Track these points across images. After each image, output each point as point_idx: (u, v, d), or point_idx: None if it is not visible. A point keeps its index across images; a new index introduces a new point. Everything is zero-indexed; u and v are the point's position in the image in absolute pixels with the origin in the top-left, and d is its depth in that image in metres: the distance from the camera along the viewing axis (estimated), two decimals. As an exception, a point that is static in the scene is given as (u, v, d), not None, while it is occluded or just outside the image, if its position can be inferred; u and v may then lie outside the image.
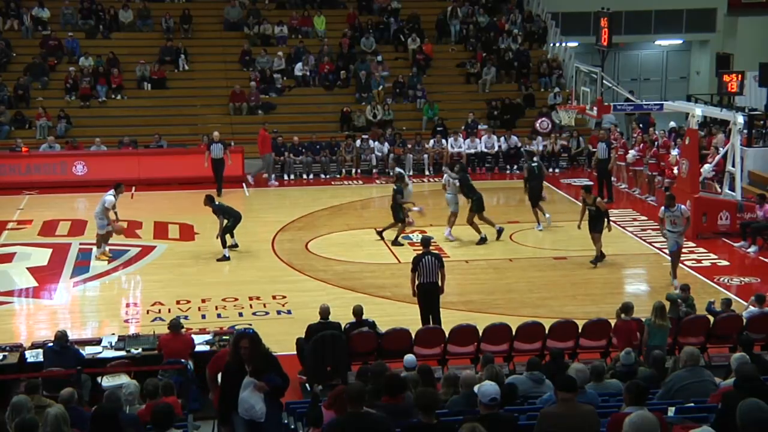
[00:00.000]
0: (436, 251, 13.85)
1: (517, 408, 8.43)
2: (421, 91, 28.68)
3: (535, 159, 21.12)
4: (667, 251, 16.41)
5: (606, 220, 16.81)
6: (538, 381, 9.36)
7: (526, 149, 25.63)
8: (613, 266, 17.36)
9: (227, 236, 17.69)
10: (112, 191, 17.64)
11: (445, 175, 19.40)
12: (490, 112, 28.25)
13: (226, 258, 17.48)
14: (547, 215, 19.67)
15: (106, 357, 11.39)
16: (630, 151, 23.42)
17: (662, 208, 16.13)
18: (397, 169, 22.32)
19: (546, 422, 6.94)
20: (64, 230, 19.92)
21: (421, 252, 13.73)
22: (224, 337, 11.82)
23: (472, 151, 26.10)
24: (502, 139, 26.36)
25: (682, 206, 16.07)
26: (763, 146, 22.92)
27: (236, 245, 18.05)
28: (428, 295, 13.48)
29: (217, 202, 17.81)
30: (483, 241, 18.33)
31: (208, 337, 12.07)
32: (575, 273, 16.61)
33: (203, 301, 15.25)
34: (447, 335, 12.24)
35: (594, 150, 24.92)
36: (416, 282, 13.45)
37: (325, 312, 12.05)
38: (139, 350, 11.54)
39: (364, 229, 19.90)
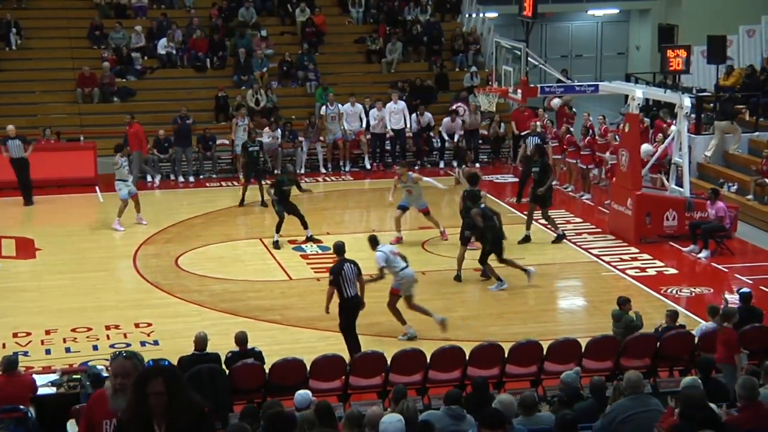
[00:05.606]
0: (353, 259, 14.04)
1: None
2: (313, 72, 28.69)
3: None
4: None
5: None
6: (458, 417, 9.44)
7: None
8: (544, 277, 17.65)
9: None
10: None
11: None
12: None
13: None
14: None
15: None
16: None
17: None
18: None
19: (468, 465, 7.02)
20: None
21: (338, 261, 13.88)
22: (74, 376, 11.61)
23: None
24: (414, 116, 26.44)
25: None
26: (713, 133, 23.59)
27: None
28: (356, 312, 13.72)
29: (482, 204, 16.80)
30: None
31: (53, 376, 11.88)
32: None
33: (47, 332, 14.96)
34: (348, 365, 12.28)
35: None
36: (339, 296, 13.57)
37: (200, 341, 12.00)
38: (-35, 396, 11.25)
39: (247, 240, 19.84)
